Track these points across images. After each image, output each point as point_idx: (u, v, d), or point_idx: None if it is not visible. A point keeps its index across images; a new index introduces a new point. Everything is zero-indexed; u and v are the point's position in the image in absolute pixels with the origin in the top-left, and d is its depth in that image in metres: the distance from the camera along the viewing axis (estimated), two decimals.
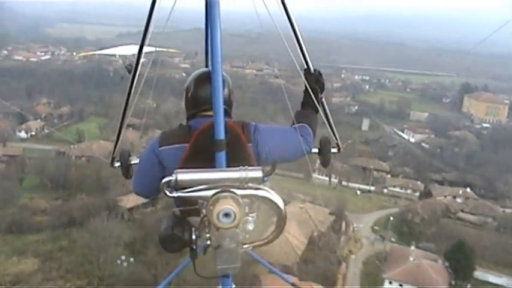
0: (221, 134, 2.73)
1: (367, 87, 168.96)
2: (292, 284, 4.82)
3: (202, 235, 2.74)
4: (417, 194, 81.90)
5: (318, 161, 3.88)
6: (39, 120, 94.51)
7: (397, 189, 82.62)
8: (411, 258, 50.41)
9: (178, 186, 2.63)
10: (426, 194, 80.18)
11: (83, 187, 62.14)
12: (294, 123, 3.63)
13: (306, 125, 3.61)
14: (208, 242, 2.73)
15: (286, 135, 3.50)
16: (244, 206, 2.62)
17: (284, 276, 4.85)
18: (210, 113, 3.00)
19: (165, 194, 2.65)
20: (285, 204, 2.85)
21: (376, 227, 65.38)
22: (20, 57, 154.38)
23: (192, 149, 3.12)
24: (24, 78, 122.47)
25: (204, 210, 2.66)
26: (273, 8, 3.13)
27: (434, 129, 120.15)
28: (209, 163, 2.79)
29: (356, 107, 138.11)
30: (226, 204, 2.47)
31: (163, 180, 2.63)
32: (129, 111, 3.87)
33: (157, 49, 4.41)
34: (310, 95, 3.65)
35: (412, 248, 52.96)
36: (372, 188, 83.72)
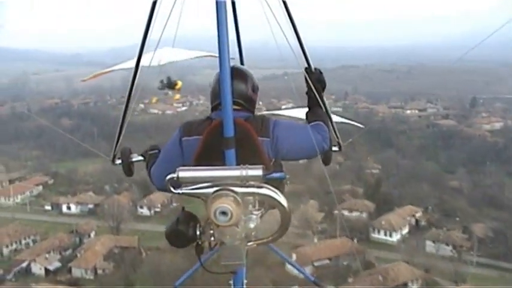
0: (230, 132, 2.87)
1: None
2: (314, 282, 4.99)
3: (207, 231, 2.84)
4: None
5: None
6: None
7: None
8: None
9: (180, 183, 2.71)
10: None
11: None
12: (308, 122, 3.68)
13: (322, 123, 3.63)
14: (212, 239, 2.83)
15: (306, 132, 3.46)
16: (247, 204, 2.72)
17: (306, 273, 5.09)
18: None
19: (170, 190, 2.75)
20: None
21: None
22: (155, 111, 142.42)
23: (204, 144, 3.28)
24: (159, 133, 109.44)
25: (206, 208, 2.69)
26: (274, 7, 3.14)
27: None
28: (220, 159, 2.92)
29: None
30: (222, 203, 2.53)
31: (167, 177, 2.69)
32: (130, 109, 3.98)
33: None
34: (314, 94, 3.64)
35: None
36: None
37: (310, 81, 3.58)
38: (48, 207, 76.50)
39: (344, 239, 57.35)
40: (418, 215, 69.65)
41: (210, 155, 3.09)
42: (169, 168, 2.94)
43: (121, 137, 4.18)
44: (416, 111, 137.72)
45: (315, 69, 3.72)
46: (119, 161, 4.29)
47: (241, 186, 2.62)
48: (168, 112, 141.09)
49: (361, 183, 79.92)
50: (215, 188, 2.60)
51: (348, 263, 54.53)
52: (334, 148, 4.13)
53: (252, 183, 2.63)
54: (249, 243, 2.93)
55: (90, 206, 74.30)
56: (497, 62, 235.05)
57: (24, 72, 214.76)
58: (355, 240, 58.10)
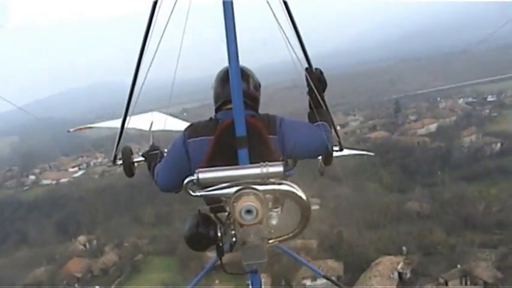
0: (242, 131, 2.81)
1: None
2: (324, 277, 5.23)
3: (228, 232, 2.81)
4: None
5: None
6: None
7: None
8: None
9: (200, 185, 2.65)
10: None
11: None
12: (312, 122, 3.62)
13: (325, 123, 3.59)
14: (234, 239, 2.78)
15: (311, 130, 3.49)
16: (268, 202, 2.67)
17: (315, 268, 5.15)
18: None
19: (189, 193, 2.68)
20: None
21: None
22: (48, 181, 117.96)
23: (216, 144, 3.20)
24: (55, 209, 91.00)
25: (228, 208, 2.69)
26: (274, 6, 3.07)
27: None
28: (233, 158, 2.84)
29: None
30: (248, 201, 2.51)
31: (186, 180, 2.64)
32: (132, 107, 3.82)
33: None
34: (315, 94, 3.59)
35: None
36: None
37: (310, 81, 3.54)
38: None
39: None
40: (400, 266, 53.47)
41: (222, 155, 2.98)
42: (176, 170, 3.09)
43: (121, 138, 4.09)
44: (338, 128, 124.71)
45: (316, 69, 3.63)
46: (120, 162, 4.24)
47: (262, 184, 2.58)
48: (64, 180, 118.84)
49: (312, 232, 63.12)
50: (237, 187, 2.55)
51: None
52: (335, 148, 4.10)
53: (271, 180, 2.61)
54: (271, 241, 2.90)
55: None
56: (385, 59, 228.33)
57: None
58: None
